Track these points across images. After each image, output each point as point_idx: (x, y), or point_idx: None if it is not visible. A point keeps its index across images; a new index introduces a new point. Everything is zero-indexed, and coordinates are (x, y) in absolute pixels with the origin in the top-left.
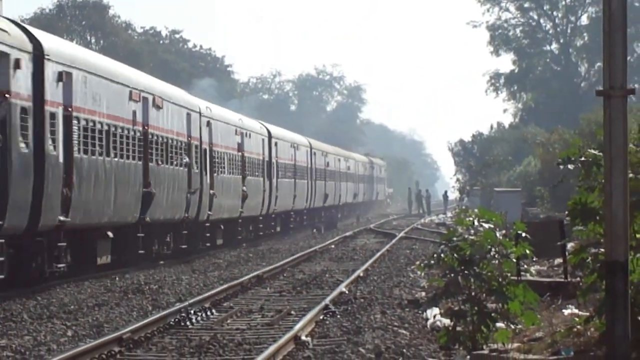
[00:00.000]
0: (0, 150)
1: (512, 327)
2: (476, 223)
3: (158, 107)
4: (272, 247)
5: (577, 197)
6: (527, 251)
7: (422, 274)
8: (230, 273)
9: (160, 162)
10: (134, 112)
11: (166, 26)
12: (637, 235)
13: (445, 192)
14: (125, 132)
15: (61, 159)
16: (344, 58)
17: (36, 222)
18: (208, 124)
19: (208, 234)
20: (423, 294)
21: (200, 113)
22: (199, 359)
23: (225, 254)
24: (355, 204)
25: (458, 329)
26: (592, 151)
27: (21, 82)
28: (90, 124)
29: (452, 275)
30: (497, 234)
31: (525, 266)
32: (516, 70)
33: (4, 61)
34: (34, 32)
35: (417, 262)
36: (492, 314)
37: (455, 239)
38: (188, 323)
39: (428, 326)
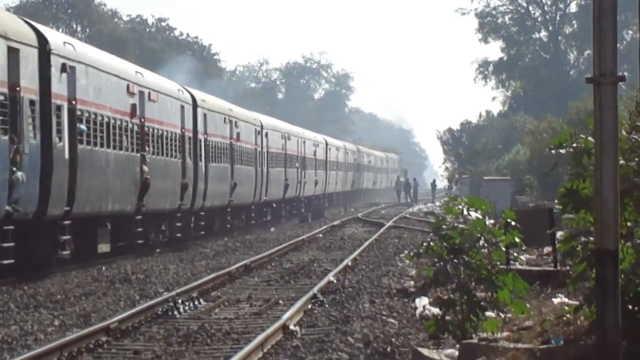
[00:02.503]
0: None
1: (502, 316)
2: (465, 211)
3: (154, 101)
4: (260, 237)
5: (568, 184)
6: (517, 239)
7: (411, 263)
8: (217, 262)
9: (156, 154)
10: (133, 106)
11: (152, 14)
12: (628, 224)
13: (434, 180)
14: (125, 124)
15: (67, 151)
16: (332, 46)
17: (44, 211)
18: (204, 115)
19: (202, 223)
20: (412, 283)
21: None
22: (186, 349)
23: (213, 244)
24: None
25: (447, 318)
26: (584, 136)
27: (29, 76)
28: (93, 116)
29: (441, 264)
30: (487, 223)
31: (515, 255)
32: (505, 58)
33: (13, 56)
34: (39, 28)
35: (406, 251)
36: (482, 303)
37: (444, 227)
38: (175, 312)
39: (417, 315)
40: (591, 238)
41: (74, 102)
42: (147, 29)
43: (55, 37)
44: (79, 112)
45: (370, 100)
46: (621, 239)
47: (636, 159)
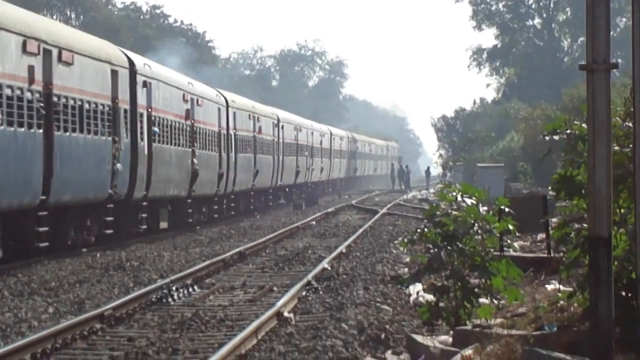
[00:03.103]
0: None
1: (495, 302)
2: (459, 198)
3: (200, 105)
4: (254, 224)
5: (562, 170)
6: (511, 226)
7: (405, 250)
8: (212, 250)
9: (202, 148)
10: (187, 110)
11: (147, 1)
12: (621, 210)
13: (428, 168)
14: (181, 125)
15: (146, 148)
16: (326, 33)
17: (132, 194)
18: (234, 114)
19: (232, 204)
20: (406, 269)
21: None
22: (180, 335)
23: (207, 231)
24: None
25: (441, 304)
26: (578, 123)
27: (123, 91)
28: (162, 120)
29: (435, 250)
30: (480, 210)
31: (509, 241)
32: (499, 45)
33: (114, 76)
34: (128, 53)
35: (400, 238)
36: (475, 290)
37: (438, 214)
38: (170, 299)
39: (411, 302)
40: (584, 225)
41: (149, 110)
42: (141, 16)
43: (139, 60)
44: (153, 118)
45: (365, 88)
46: (615, 226)
47: (630, 146)
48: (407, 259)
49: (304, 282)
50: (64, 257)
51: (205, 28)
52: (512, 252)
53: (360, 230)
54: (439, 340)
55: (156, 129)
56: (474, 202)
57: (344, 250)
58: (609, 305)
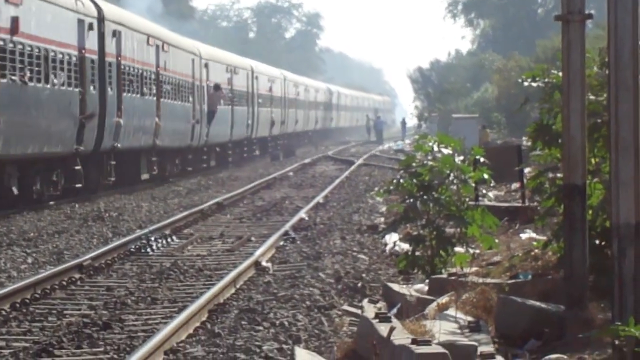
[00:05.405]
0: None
1: (471, 251)
2: (435, 148)
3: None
4: (232, 175)
5: (539, 120)
6: (486, 176)
7: (381, 199)
8: (190, 200)
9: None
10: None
11: None
12: (596, 160)
13: (403, 119)
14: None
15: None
16: None
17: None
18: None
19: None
20: (382, 219)
21: (101, 18)
22: (159, 285)
23: (185, 182)
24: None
25: (417, 253)
26: (555, 72)
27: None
28: None
29: (411, 200)
30: (456, 160)
31: (484, 191)
32: None
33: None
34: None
35: (376, 189)
36: (452, 239)
37: (414, 165)
38: (148, 250)
39: (387, 251)
40: (559, 174)
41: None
42: None
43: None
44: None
45: (341, 40)
46: (589, 175)
47: (605, 95)
48: (383, 209)
49: (281, 232)
50: (43, 207)
51: None
52: (487, 202)
53: (337, 181)
54: (415, 289)
55: None
56: (450, 152)
57: (321, 201)
58: (583, 253)
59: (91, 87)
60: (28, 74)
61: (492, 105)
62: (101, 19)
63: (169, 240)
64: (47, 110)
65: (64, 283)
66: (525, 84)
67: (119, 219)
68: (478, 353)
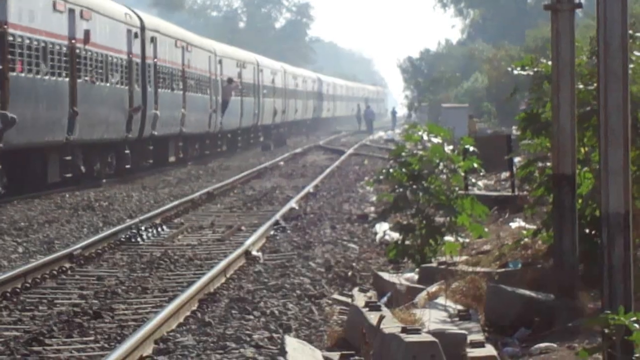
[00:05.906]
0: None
1: (460, 240)
2: (425, 138)
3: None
4: (222, 164)
5: (528, 110)
6: (475, 165)
7: (372, 189)
8: (180, 190)
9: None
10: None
11: None
12: (585, 149)
13: (394, 108)
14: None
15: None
16: None
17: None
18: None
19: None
20: (372, 209)
21: (142, 27)
22: (150, 275)
23: (176, 171)
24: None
25: (407, 242)
26: (545, 61)
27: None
28: None
29: (401, 190)
30: (446, 149)
31: (473, 180)
32: None
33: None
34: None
35: (367, 178)
36: (441, 228)
37: (404, 154)
38: (139, 239)
39: (377, 240)
40: (549, 163)
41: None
42: None
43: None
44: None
45: (331, 30)
46: (579, 164)
47: (595, 84)
48: (374, 198)
49: (272, 221)
50: (33, 197)
51: None
52: (476, 191)
53: (328, 170)
54: (405, 278)
55: None
56: (440, 141)
57: (311, 190)
58: (572, 242)
59: (136, 85)
60: (95, 75)
61: (482, 95)
62: (142, 28)
63: (159, 229)
64: (107, 104)
65: (55, 272)
66: (515, 72)
67: (110, 208)
68: (468, 341)
